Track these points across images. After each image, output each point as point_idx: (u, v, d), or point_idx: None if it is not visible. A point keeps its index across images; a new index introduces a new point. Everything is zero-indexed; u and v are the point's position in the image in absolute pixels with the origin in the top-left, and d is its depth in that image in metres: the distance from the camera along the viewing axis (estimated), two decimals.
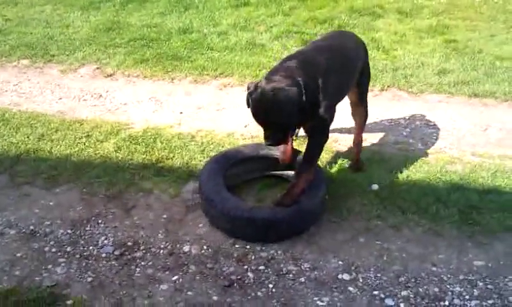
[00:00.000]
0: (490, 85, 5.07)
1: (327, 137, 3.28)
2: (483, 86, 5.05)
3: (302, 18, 6.81)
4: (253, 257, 3.01)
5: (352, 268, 2.95)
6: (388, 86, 5.06)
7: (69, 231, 3.18)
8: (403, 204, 3.43)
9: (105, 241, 3.11)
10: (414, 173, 3.76)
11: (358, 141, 3.83)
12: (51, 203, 3.43)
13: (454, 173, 3.78)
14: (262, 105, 2.96)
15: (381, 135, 4.30)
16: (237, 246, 3.08)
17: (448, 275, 2.90)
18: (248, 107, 3.09)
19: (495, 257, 3.02)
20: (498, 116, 4.60)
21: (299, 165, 3.31)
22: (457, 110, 4.68)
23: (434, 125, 4.46)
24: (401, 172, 3.76)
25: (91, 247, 3.06)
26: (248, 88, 3.10)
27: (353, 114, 3.83)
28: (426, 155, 4.02)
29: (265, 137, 3.02)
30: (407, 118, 4.55)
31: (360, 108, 3.78)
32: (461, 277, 2.90)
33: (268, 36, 6.26)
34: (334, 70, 3.25)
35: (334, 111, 3.30)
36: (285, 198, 3.14)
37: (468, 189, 3.58)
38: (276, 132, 2.99)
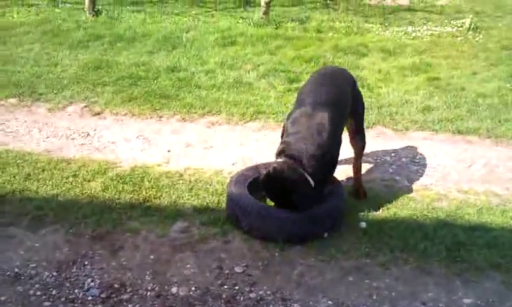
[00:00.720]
0: (473, 122, 5.18)
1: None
2: (466, 123, 5.16)
3: (288, 57, 6.94)
4: (241, 298, 2.98)
5: None
6: (373, 124, 5.14)
7: (54, 273, 3.13)
8: (391, 241, 3.44)
9: (92, 283, 3.06)
10: (401, 210, 3.79)
11: (356, 168, 4.00)
12: (37, 245, 3.38)
13: (440, 209, 3.81)
14: (274, 193, 3.47)
15: (367, 172, 4.34)
16: (225, 287, 3.05)
17: None
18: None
19: (483, 295, 3.02)
20: (482, 152, 4.68)
21: None
22: (442, 147, 4.76)
23: (420, 162, 4.52)
24: (388, 209, 3.79)
25: (76, 290, 3.00)
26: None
27: (351, 143, 4.02)
28: (412, 192, 4.06)
29: None
30: (393, 155, 4.61)
31: (357, 136, 3.98)
32: None
33: (255, 75, 6.35)
34: (335, 118, 3.54)
35: (338, 149, 3.64)
36: None
37: (454, 226, 3.61)
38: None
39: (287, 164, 3.38)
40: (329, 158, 3.49)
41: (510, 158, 4.59)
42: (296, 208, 3.37)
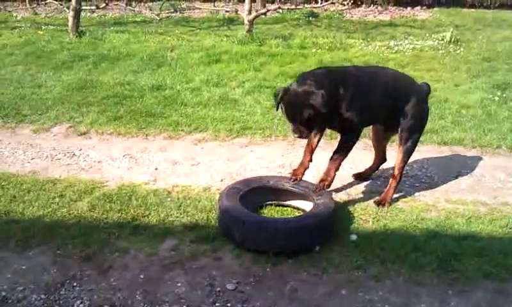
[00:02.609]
0: (458, 133, 5.24)
1: (356, 138, 3.76)
2: (451, 134, 5.21)
3: (273, 73, 6.98)
4: None
5: None
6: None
7: (43, 296, 3.06)
8: (382, 253, 3.44)
9: (81, 305, 2.99)
10: (391, 221, 3.80)
11: (392, 179, 4.05)
12: (24, 267, 3.31)
13: (429, 220, 3.82)
14: (290, 106, 3.52)
15: (355, 184, 4.36)
16: (217, 305, 3.01)
17: None
18: (276, 111, 3.66)
19: (476, 304, 3.02)
20: (468, 162, 4.73)
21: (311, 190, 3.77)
22: (428, 158, 4.79)
23: (407, 173, 4.53)
24: (378, 221, 3.80)
25: None
26: (277, 93, 3.61)
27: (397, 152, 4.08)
28: (401, 203, 4.07)
29: (293, 130, 3.58)
30: (380, 167, 4.62)
31: (399, 149, 4.03)
32: None
33: (240, 91, 6.37)
34: (360, 89, 3.65)
35: (360, 120, 3.70)
36: (323, 183, 3.71)
37: (444, 236, 3.62)
38: (302, 127, 3.52)
39: (310, 81, 3.51)
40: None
41: (496, 168, 4.64)
42: (307, 122, 3.49)
